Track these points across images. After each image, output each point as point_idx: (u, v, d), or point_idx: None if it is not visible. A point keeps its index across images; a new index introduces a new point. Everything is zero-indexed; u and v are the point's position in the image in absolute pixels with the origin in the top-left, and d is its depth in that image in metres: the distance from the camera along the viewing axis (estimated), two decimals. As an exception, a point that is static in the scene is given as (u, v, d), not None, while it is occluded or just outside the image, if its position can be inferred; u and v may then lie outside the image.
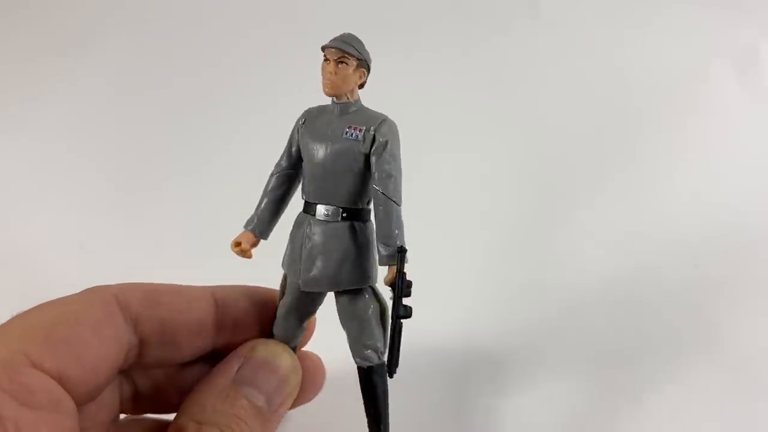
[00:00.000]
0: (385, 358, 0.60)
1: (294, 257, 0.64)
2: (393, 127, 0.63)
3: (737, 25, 1.37)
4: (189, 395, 0.55)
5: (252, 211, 0.67)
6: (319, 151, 0.63)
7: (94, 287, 0.54)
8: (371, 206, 0.64)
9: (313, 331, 0.71)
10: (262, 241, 0.67)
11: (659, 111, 1.30)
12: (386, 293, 0.61)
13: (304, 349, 0.71)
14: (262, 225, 0.66)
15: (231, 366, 0.57)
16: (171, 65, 1.40)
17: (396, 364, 0.58)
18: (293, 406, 0.62)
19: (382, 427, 0.65)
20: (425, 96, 1.31)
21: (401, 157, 0.64)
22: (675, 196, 1.20)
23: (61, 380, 0.45)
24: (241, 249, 0.65)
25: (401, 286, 0.58)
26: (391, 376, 0.58)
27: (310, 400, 0.71)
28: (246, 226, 0.66)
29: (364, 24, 1.32)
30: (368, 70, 0.64)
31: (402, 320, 0.58)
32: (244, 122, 1.28)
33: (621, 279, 1.08)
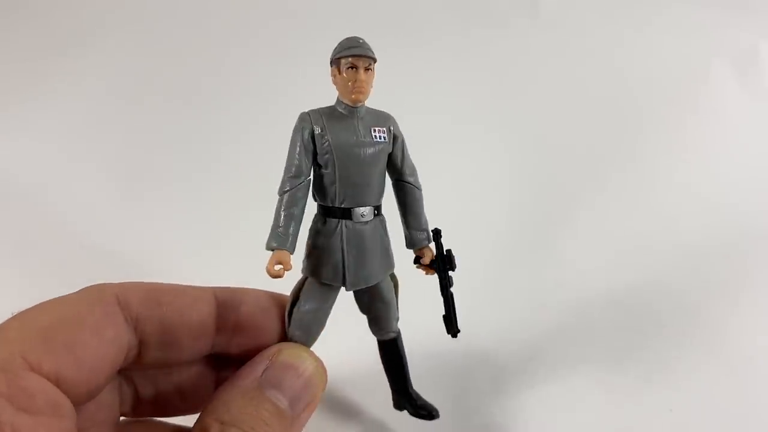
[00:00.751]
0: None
1: (333, 263, 0.64)
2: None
3: (737, 25, 1.37)
4: (214, 395, 0.54)
5: (271, 229, 0.63)
6: (356, 158, 0.64)
7: (94, 285, 0.54)
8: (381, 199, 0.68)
9: None
10: (259, 245, 0.66)
11: (659, 111, 1.30)
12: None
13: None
14: (294, 241, 0.64)
15: (257, 368, 0.56)
16: (172, 66, 1.39)
17: (457, 325, 0.68)
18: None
19: (408, 380, 0.72)
20: (425, 96, 1.31)
21: None
22: (675, 195, 1.20)
23: (58, 382, 0.45)
24: (286, 269, 0.61)
25: (449, 261, 0.68)
26: (455, 337, 0.68)
27: None
28: (276, 245, 0.62)
29: (364, 24, 1.33)
30: None
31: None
32: (247, 122, 1.27)
33: (621, 279, 1.08)
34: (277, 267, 0.61)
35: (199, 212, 1.20)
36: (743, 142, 1.27)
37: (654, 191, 1.21)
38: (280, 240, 0.62)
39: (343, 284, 0.65)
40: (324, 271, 0.65)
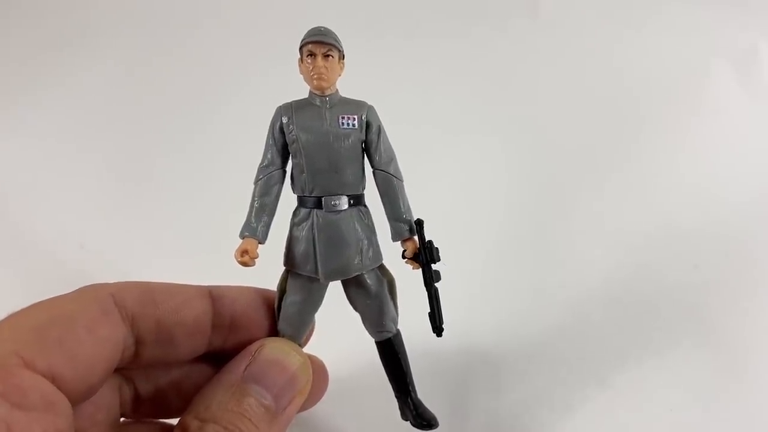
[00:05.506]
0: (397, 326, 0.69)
1: (306, 253, 0.64)
2: (376, 111, 0.67)
3: (737, 25, 1.36)
4: (197, 394, 0.55)
5: (245, 218, 0.65)
6: (322, 145, 0.64)
7: (90, 285, 0.54)
8: (364, 191, 0.67)
9: (314, 329, 0.71)
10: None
11: (659, 111, 1.30)
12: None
13: (305, 351, 0.71)
14: (265, 230, 0.65)
15: (239, 364, 0.56)
16: (171, 66, 1.39)
17: (442, 323, 0.65)
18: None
19: (410, 386, 0.69)
20: (424, 96, 1.31)
21: None
22: (674, 195, 1.20)
23: (54, 380, 0.45)
24: (251, 257, 0.62)
25: (431, 254, 0.66)
26: (440, 335, 0.65)
27: (314, 404, 0.71)
28: (247, 234, 0.64)
29: (363, 23, 1.33)
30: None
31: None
32: (245, 122, 1.26)
33: (620, 279, 1.08)
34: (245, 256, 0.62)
35: (200, 212, 1.19)
36: (743, 142, 1.26)
37: (654, 191, 1.20)
38: (249, 228, 0.64)
39: (316, 274, 0.64)
40: (298, 262, 0.65)
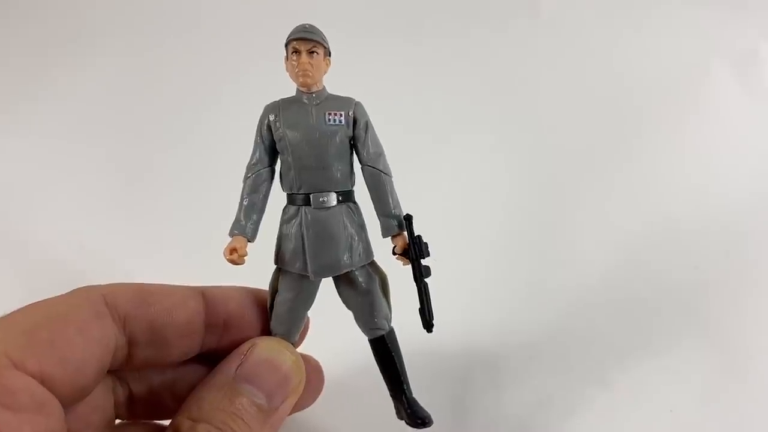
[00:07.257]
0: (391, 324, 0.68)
1: (295, 251, 0.64)
2: (364, 108, 0.67)
3: (737, 25, 1.36)
4: (190, 394, 0.54)
5: (234, 216, 0.65)
6: (308, 142, 0.64)
7: (82, 287, 0.54)
8: (353, 187, 0.67)
9: (308, 328, 0.70)
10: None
11: (659, 111, 1.29)
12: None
13: (300, 351, 0.71)
14: (254, 228, 0.65)
15: (231, 364, 0.56)
16: (171, 67, 1.40)
17: (432, 319, 0.64)
18: (292, 410, 0.62)
19: (404, 385, 0.68)
20: (425, 95, 1.31)
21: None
22: (675, 196, 1.19)
23: (44, 381, 0.45)
24: (240, 255, 0.62)
25: (419, 249, 0.65)
26: (430, 331, 0.64)
27: (309, 405, 0.71)
28: (236, 232, 0.64)
29: (364, 23, 1.33)
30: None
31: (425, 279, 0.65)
32: (244, 122, 1.26)
33: (620, 279, 1.08)
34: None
35: (199, 214, 1.19)
36: (743, 142, 1.26)
37: (654, 191, 1.20)
38: (238, 226, 0.64)
39: (306, 272, 0.64)
40: (288, 260, 0.65)
